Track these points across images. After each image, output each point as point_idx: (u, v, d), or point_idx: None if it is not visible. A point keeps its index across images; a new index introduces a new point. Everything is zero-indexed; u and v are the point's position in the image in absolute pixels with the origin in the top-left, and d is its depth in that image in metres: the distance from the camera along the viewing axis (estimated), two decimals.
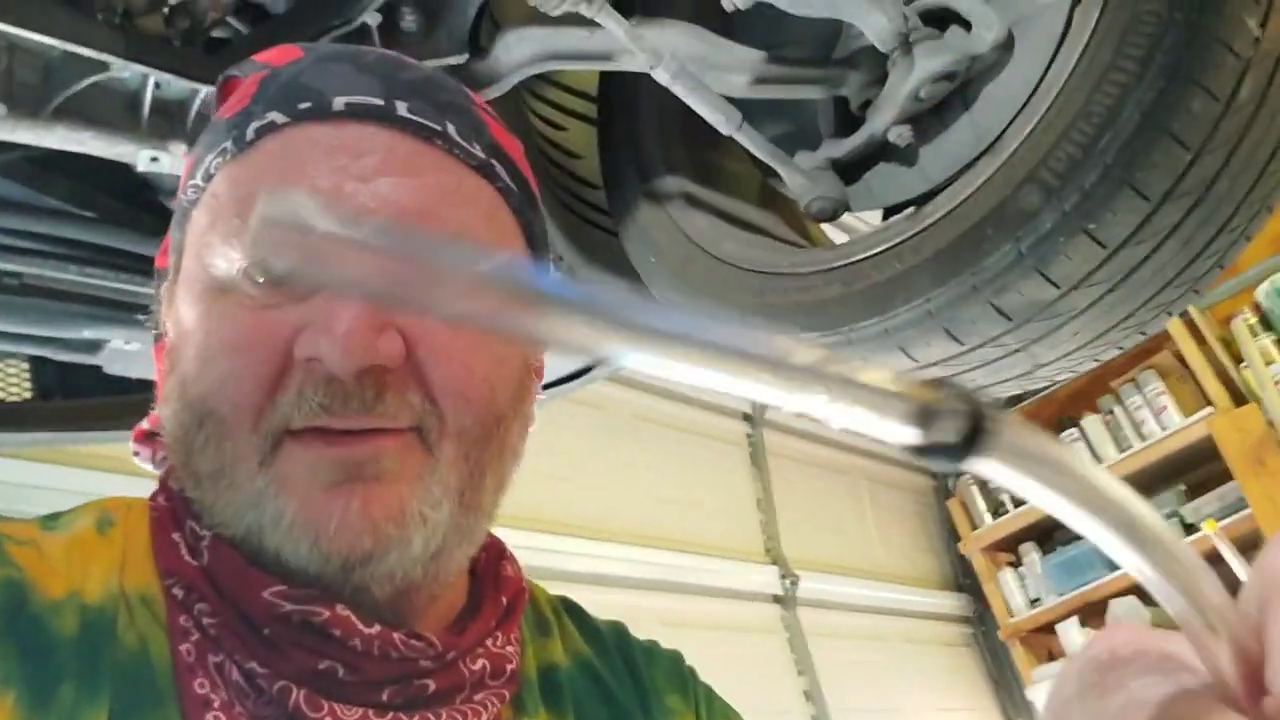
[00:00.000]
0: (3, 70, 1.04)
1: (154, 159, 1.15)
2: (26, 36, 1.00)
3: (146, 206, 1.31)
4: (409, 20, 1.19)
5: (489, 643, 0.57)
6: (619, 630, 0.72)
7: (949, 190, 1.13)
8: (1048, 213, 1.02)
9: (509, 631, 0.59)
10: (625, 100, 1.53)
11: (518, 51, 1.24)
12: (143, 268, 1.30)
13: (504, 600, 0.60)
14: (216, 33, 1.19)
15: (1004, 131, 1.11)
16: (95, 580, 0.50)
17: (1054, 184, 1.01)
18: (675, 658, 0.73)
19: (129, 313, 1.36)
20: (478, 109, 0.61)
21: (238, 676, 0.49)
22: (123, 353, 1.41)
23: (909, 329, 1.12)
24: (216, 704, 0.48)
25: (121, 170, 1.18)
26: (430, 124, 0.55)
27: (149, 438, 0.64)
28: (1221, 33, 0.96)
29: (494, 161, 0.58)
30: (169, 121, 1.15)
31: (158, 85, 1.12)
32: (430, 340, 0.51)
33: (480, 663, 0.55)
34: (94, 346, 1.39)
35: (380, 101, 0.54)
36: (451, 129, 0.56)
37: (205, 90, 1.12)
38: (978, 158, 1.13)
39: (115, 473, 2.08)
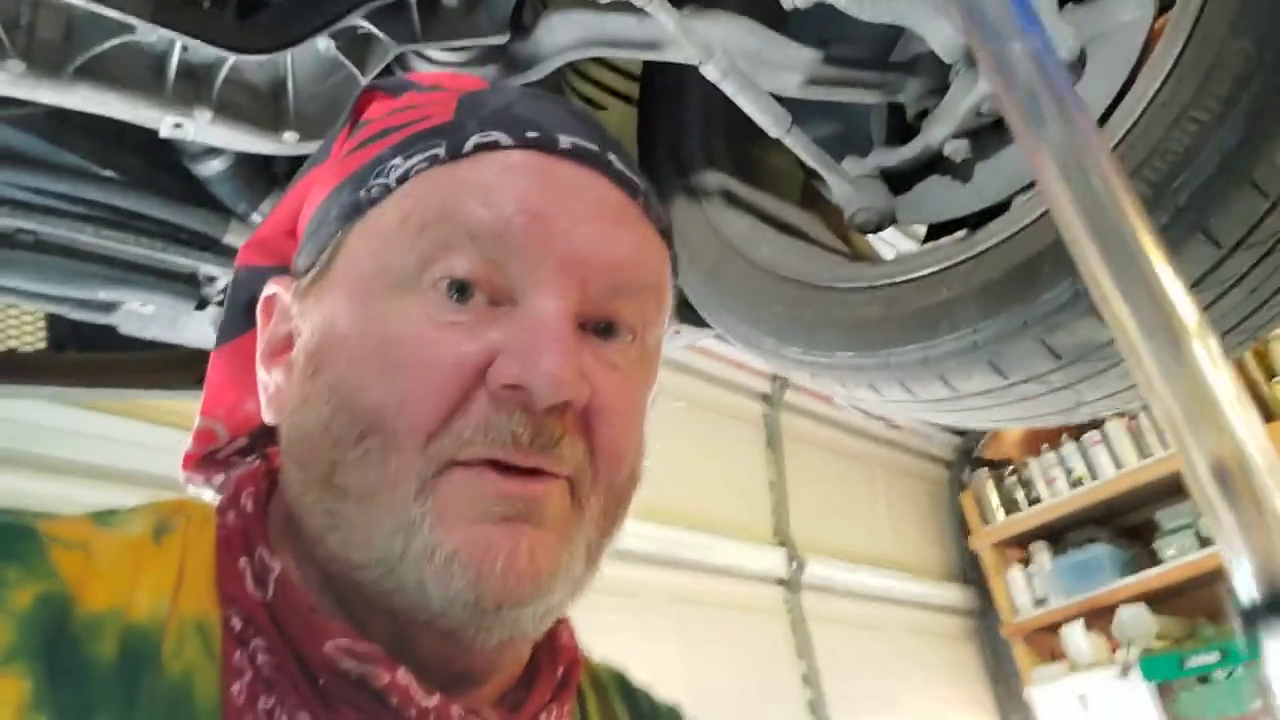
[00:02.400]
0: (24, 26, 0.99)
1: (178, 125, 1.10)
2: None
3: (169, 168, 1.27)
4: None
5: (543, 717, 0.55)
6: (676, 717, 0.70)
7: (1005, 218, 1.07)
8: None
9: (563, 704, 0.57)
10: (669, 85, 1.47)
11: (562, 35, 1.18)
12: (162, 231, 1.27)
13: (559, 671, 0.58)
14: None
15: None
16: (144, 595, 0.48)
17: None
18: None
19: (146, 275, 1.32)
20: None
21: None
22: (137, 315, 1.38)
23: (951, 359, 1.07)
24: None
25: (144, 129, 1.13)
26: (637, 181, 0.57)
27: (204, 463, 0.61)
28: None
29: (669, 231, 0.60)
30: (195, 86, 1.10)
31: (185, 49, 1.07)
32: (602, 395, 0.51)
33: None
34: (109, 307, 1.36)
35: (597, 149, 0.55)
36: (648, 189, 0.58)
37: (234, 58, 1.07)
38: (1036, 184, 1.07)
39: (134, 418, 2.07)
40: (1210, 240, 0.94)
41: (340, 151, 0.59)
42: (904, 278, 1.11)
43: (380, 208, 0.53)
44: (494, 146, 0.53)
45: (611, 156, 0.55)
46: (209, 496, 0.61)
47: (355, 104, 0.62)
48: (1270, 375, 3.66)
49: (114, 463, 2.01)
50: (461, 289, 0.50)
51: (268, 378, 0.57)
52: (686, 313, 1.45)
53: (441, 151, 0.53)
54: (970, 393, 1.11)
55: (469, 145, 0.53)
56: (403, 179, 0.53)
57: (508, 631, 0.48)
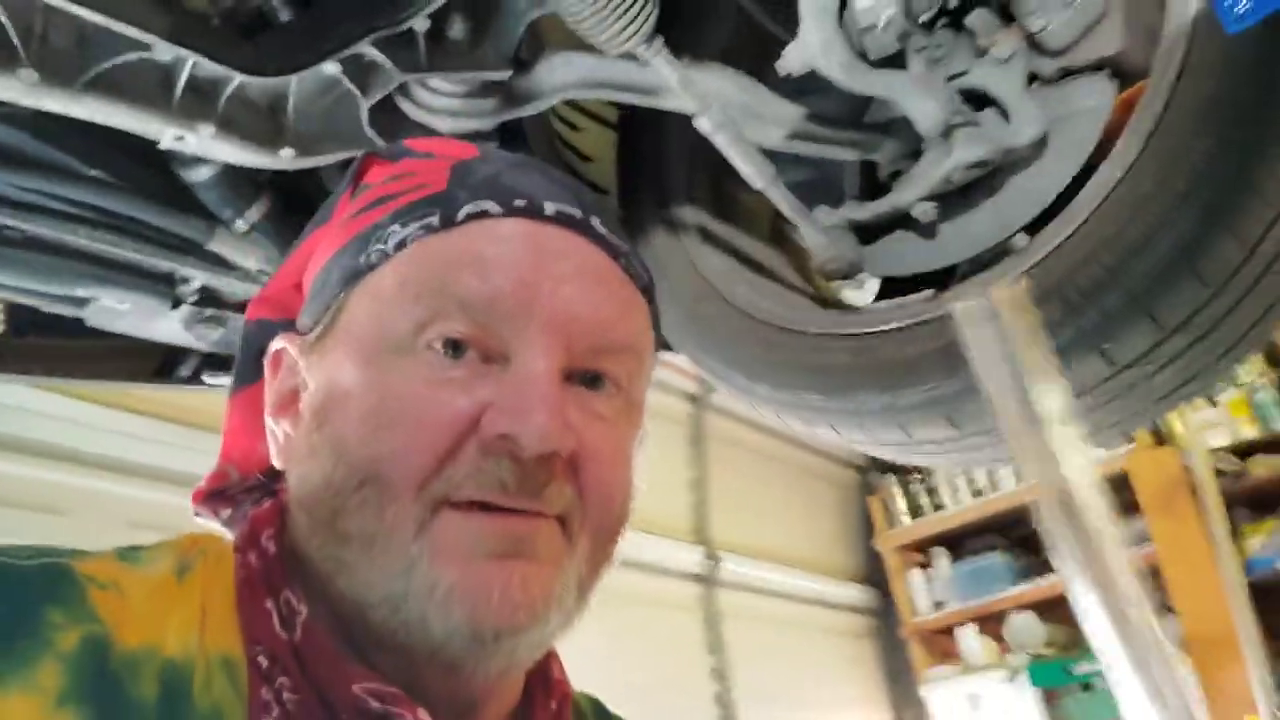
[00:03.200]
0: (37, 35, 0.99)
1: (179, 138, 1.11)
2: (63, 6, 0.95)
3: (156, 171, 1.27)
4: (457, 29, 1.16)
5: None
6: None
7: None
8: (1066, 327, 1.05)
9: None
10: (653, 115, 1.51)
11: (562, 75, 1.22)
12: (147, 234, 1.27)
13: (552, 705, 0.62)
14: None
15: (1031, 237, 1.14)
16: (174, 632, 0.50)
17: (1076, 301, 1.05)
18: None
19: (124, 274, 1.32)
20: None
21: None
22: (110, 310, 1.37)
23: (912, 410, 1.15)
24: None
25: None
26: (619, 243, 0.61)
27: (213, 497, 0.64)
28: (1261, 181, 0.99)
29: (651, 288, 0.64)
30: (199, 102, 1.11)
31: (194, 65, 1.08)
32: (589, 439, 0.55)
33: None
34: (82, 301, 1.35)
35: (580, 214, 0.59)
36: (629, 250, 0.62)
37: (240, 78, 1.09)
38: (1001, 260, 1.16)
39: (107, 406, 2.06)
40: (1155, 323, 1.04)
41: (342, 214, 0.62)
42: (875, 329, 1.19)
43: (379, 272, 0.57)
44: (484, 215, 0.57)
45: (594, 220, 0.59)
46: (217, 528, 0.64)
47: (356, 168, 0.65)
48: None
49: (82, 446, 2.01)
50: (455, 346, 0.54)
51: (276, 427, 0.60)
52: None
53: (436, 220, 0.57)
54: (924, 440, 1.20)
55: (461, 214, 0.57)
56: (400, 246, 0.57)
57: (505, 660, 0.53)
